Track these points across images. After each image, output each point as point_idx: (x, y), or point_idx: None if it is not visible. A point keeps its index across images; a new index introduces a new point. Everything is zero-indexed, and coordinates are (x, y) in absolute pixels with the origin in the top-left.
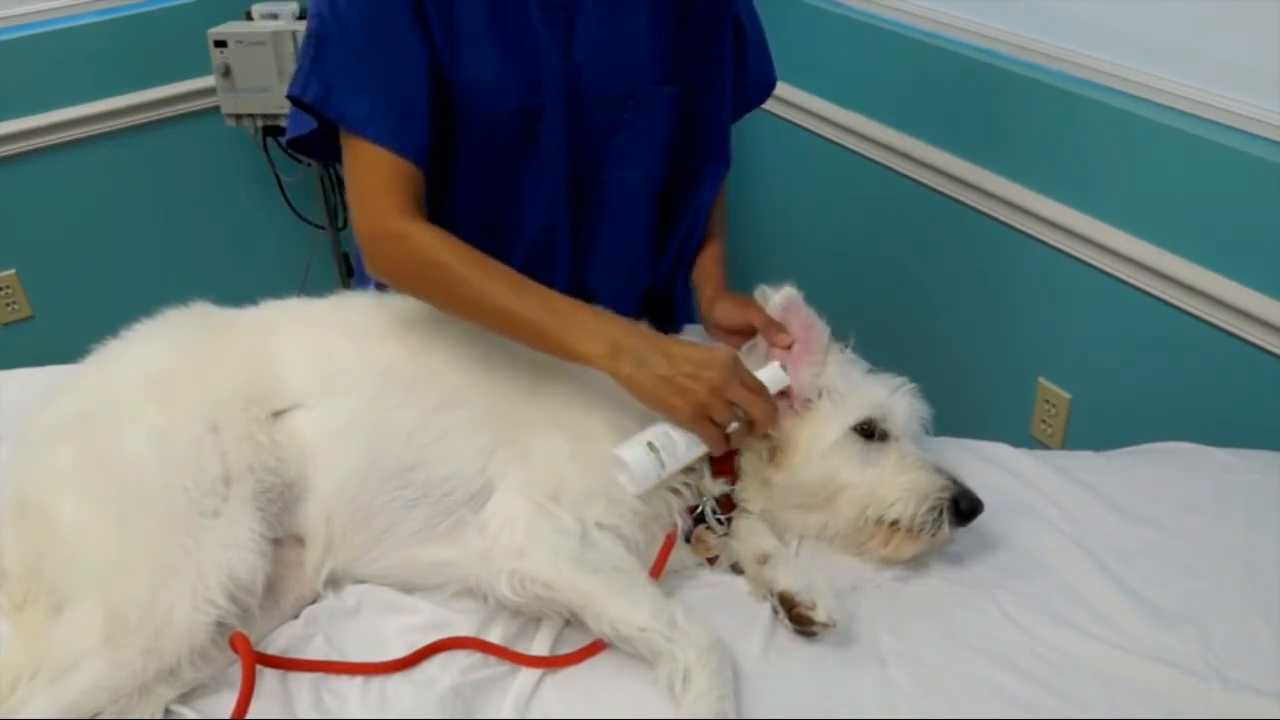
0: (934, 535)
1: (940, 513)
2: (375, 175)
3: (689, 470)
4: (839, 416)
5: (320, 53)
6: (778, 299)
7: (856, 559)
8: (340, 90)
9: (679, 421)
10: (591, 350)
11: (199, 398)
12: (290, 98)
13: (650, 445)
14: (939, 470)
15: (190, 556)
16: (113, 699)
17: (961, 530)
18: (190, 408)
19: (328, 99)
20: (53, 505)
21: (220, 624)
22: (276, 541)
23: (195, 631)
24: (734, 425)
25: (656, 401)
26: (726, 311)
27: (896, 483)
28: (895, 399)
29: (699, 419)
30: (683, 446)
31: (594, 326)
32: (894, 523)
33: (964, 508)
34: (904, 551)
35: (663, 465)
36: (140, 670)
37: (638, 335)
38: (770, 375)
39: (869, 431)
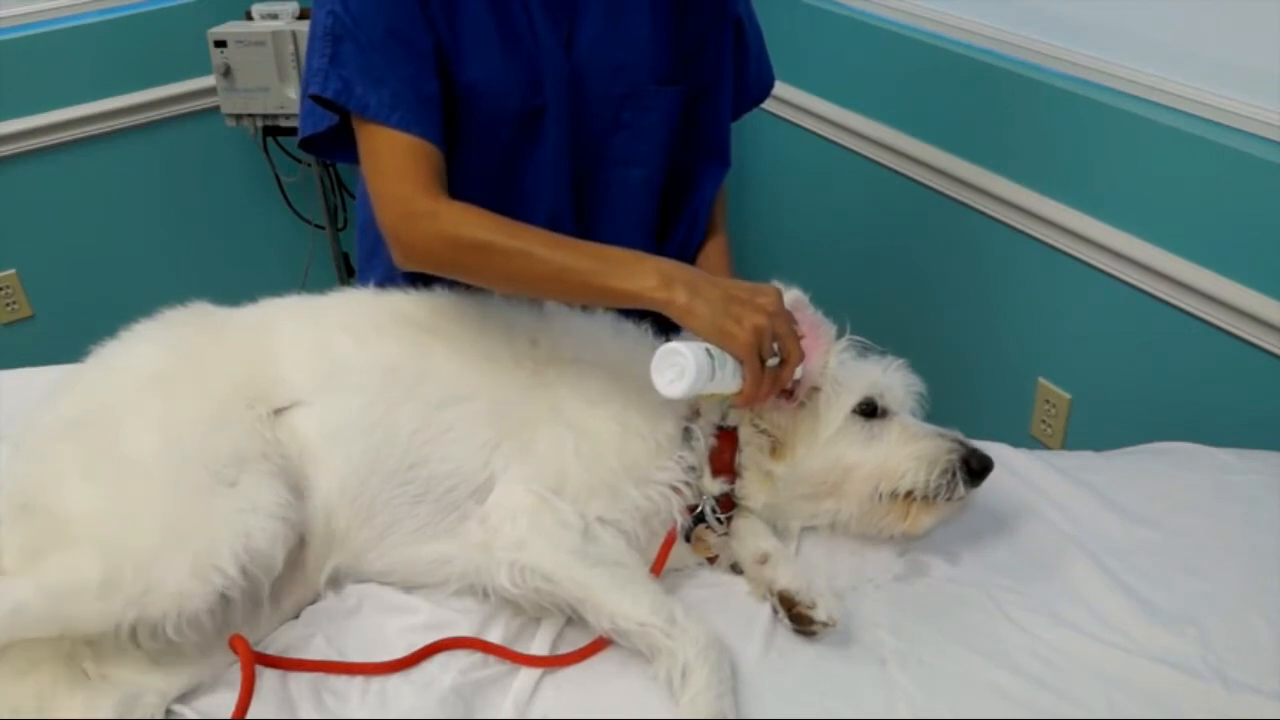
0: (949, 500)
1: (953, 475)
2: (399, 161)
3: (689, 469)
4: (839, 401)
5: (337, 49)
6: (785, 300)
7: (859, 559)
8: (360, 83)
9: (734, 351)
10: (643, 285)
11: (201, 397)
12: (312, 96)
13: (708, 351)
14: (943, 435)
15: (202, 521)
16: (84, 631)
17: (963, 532)
18: (194, 404)
19: (349, 93)
20: (56, 500)
21: (224, 597)
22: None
23: (189, 596)
24: (773, 361)
25: (715, 331)
26: None
27: (904, 454)
28: (890, 375)
29: (753, 351)
30: (730, 369)
31: (640, 264)
32: (908, 494)
33: (975, 466)
34: (923, 522)
35: (712, 376)
36: (119, 614)
37: (685, 268)
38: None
39: (869, 410)
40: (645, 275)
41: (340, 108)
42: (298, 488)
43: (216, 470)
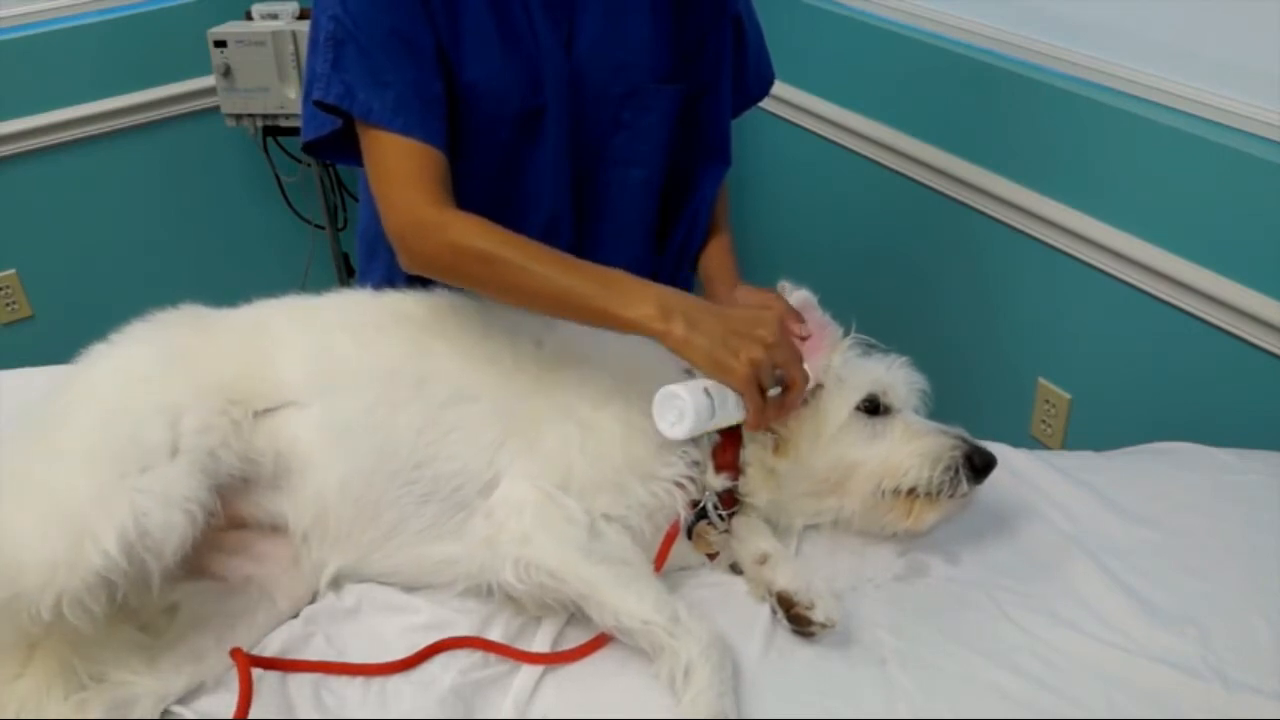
0: (952, 496)
1: (956, 471)
2: (405, 166)
3: (693, 464)
4: (842, 398)
5: (339, 53)
6: (793, 300)
7: (859, 559)
8: (363, 87)
9: (732, 384)
10: (641, 314)
11: (172, 392)
12: (315, 102)
13: (707, 391)
14: (945, 432)
15: (93, 499)
16: None
17: (963, 532)
18: (156, 398)
19: (352, 97)
20: None
21: (106, 580)
22: (248, 529)
23: (60, 569)
24: (775, 390)
25: (712, 364)
26: (748, 300)
27: (907, 451)
28: (893, 373)
29: (750, 384)
30: (732, 403)
31: (641, 292)
32: (911, 490)
33: (978, 463)
34: (926, 519)
35: (713, 414)
36: None
37: (685, 298)
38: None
39: (873, 407)
40: (645, 304)
41: (343, 112)
42: (248, 488)
43: (137, 456)
